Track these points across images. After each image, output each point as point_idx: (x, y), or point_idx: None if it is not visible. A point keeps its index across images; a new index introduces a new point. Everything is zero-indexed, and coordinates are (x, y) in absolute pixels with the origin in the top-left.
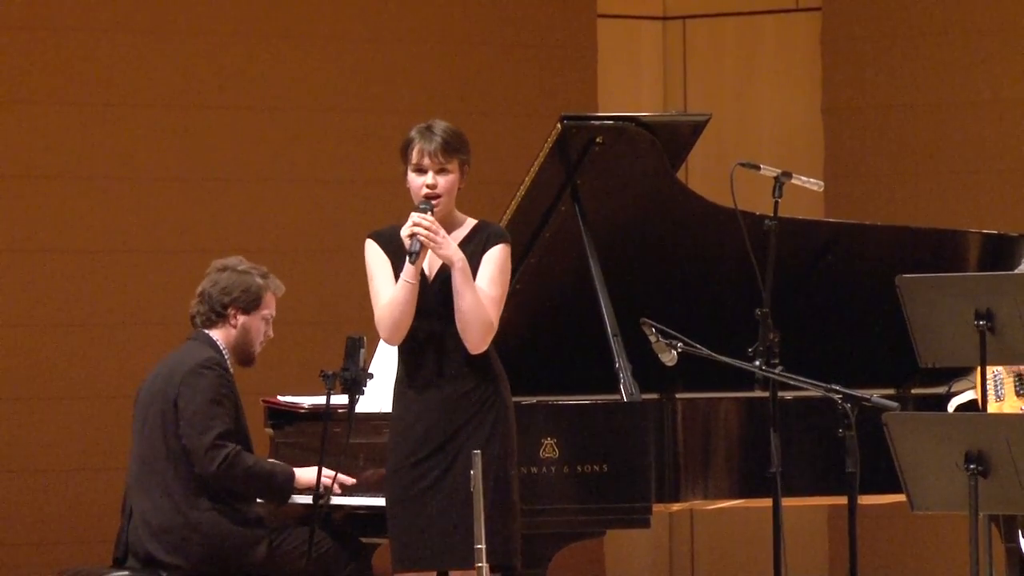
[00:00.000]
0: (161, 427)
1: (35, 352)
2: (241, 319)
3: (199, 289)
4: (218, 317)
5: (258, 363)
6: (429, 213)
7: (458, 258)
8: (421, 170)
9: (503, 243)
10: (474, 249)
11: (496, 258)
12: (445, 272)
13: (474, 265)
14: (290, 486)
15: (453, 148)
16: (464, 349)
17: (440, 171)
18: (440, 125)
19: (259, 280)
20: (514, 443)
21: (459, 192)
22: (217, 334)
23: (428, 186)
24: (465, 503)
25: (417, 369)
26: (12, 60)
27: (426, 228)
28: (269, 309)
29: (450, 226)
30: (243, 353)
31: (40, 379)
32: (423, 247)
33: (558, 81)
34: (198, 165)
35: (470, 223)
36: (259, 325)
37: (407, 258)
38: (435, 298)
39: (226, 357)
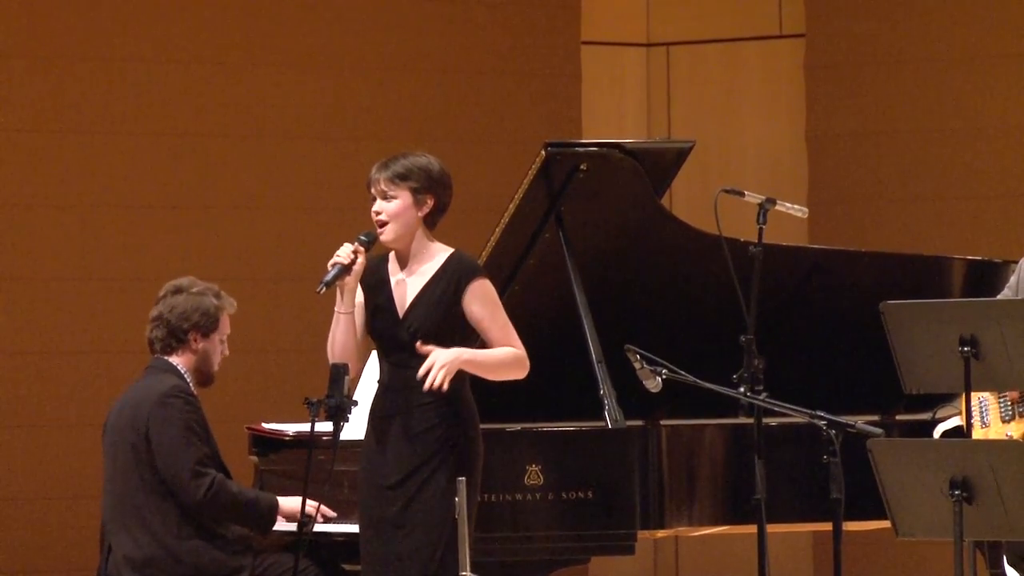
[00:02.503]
0: (134, 460)
1: (7, 380)
2: (201, 343)
3: (154, 313)
4: (179, 343)
5: (242, 390)
6: (369, 244)
7: (464, 359)
8: (374, 198)
9: (476, 278)
10: (444, 288)
11: (482, 296)
12: (417, 307)
13: (444, 300)
14: (274, 515)
15: (400, 176)
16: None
17: (385, 198)
18: (400, 158)
19: (215, 301)
20: (477, 483)
21: (434, 221)
22: (177, 359)
23: (375, 212)
24: (424, 542)
25: (386, 399)
26: None
27: (347, 259)
28: (226, 330)
29: (420, 257)
30: (203, 375)
31: (13, 406)
32: (341, 276)
33: (542, 108)
34: (175, 193)
35: (443, 256)
36: (217, 346)
37: (319, 287)
38: (404, 333)
39: (188, 382)
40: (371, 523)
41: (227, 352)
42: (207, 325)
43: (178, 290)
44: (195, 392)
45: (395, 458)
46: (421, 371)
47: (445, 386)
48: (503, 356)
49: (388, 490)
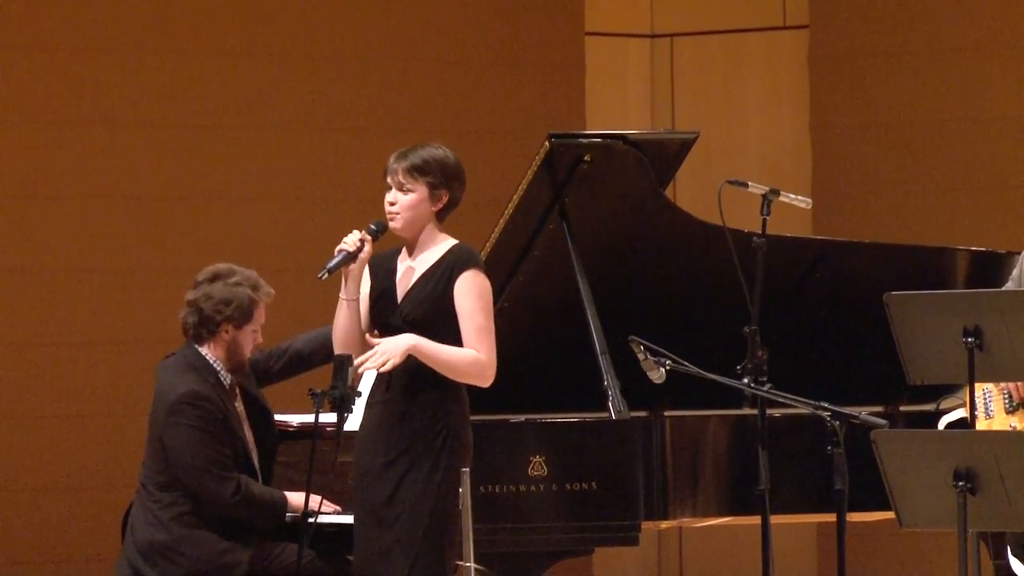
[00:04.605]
0: (153, 450)
1: (19, 371)
2: (233, 333)
3: (190, 297)
4: (210, 333)
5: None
6: (377, 233)
7: (413, 345)
8: (390, 188)
9: (469, 269)
10: (439, 277)
11: (466, 289)
12: (411, 293)
13: (438, 289)
14: (285, 512)
15: (418, 169)
16: (417, 371)
17: (401, 189)
18: (419, 149)
19: (251, 293)
20: (461, 477)
21: (445, 215)
22: (206, 349)
23: (389, 202)
24: (405, 534)
25: (378, 383)
26: None
27: (353, 247)
28: (260, 320)
29: (426, 247)
30: (234, 362)
31: (14, 399)
32: (346, 263)
33: (546, 99)
34: (177, 186)
35: (444, 247)
36: (249, 336)
37: (321, 272)
38: (397, 318)
39: (218, 369)
40: (362, 507)
41: (260, 339)
42: (241, 317)
43: (216, 277)
44: (225, 379)
45: (384, 442)
46: (362, 356)
47: (387, 367)
48: (459, 357)
49: (376, 474)
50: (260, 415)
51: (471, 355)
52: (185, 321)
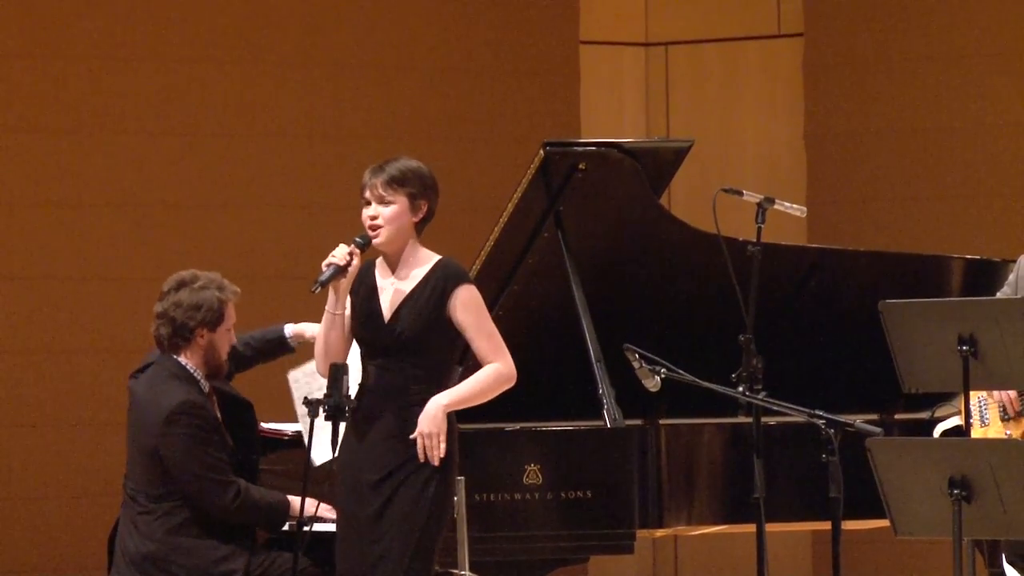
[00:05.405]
0: (149, 464)
1: (7, 379)
2: (209, 337)
3: (159, 309)
4: (185, 341)
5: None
6: (364, 246)
7: (445, 405)
8: (368, 203)
9: (463, 284)
10: (430, 293)
11: (466, 304)
12: (402, 312)
13: (430, 305)
14: (287, 514)
15: (397, 181)
16: (409, 390)
17: (381, 202)
18: (394, 162)
19: (217, 294)
20: (451, 496)
21: (423, 227)
22: (185, 358)
23: (370, 217)
24: (396, 546)
25: (368, 400)
26: None
27: (343, 261)
28: (232, 319)
29: (409, 263)
30: (212, 366)
31: (13, 406)
32: (336, 277)
33: (541, 107)
34: (174, 192)
35: (430, 262)
36: (224, 336)
37: (314, 286)
38: (390, 338)
39: (198, 378)
40: (348, 521)
41: (234, 340)
42: (212, 320)
43: (181, 284)
44: (204, 387)
45: (375, 458)
46: (420, 454)
47: (443, 447)
48: (484, 381)
49: (366, 489)
50: (243, 412)
51: (493, 371)
52: (158, 333)
